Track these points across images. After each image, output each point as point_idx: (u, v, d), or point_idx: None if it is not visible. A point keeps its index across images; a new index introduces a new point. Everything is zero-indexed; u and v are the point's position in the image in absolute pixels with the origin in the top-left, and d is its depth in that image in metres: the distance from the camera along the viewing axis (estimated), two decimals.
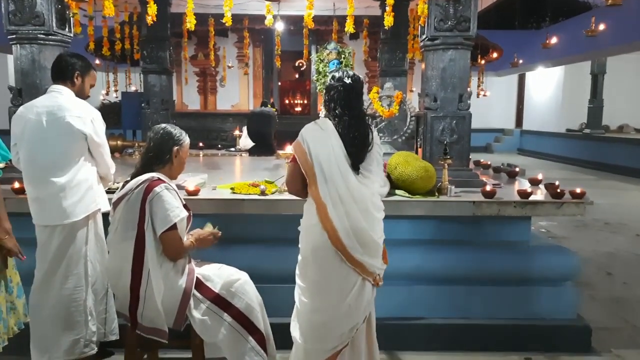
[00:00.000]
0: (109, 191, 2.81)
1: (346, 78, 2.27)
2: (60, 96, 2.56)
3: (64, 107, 2.51)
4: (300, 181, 2.24)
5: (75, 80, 2.64)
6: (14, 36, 3.27)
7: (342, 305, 2.15)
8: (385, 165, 3.18)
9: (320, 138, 2.20)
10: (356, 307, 2.17)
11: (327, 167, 2.14)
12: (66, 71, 2.62)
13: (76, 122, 2.49)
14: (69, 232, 2.53)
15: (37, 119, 2.50)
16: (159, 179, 2.28)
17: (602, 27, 9.19)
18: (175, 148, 2.35)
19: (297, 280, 2.30)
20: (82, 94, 2.68)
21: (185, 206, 2.38)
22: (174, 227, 2.22)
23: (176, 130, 2.39)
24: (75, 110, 2.52)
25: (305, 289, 2.25)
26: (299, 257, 2.29)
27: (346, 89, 2.26)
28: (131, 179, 2.32)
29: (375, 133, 2.30)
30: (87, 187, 2.58)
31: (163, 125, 2.42)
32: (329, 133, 2.20)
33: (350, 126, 2.21)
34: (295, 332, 2.28)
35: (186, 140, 2.41)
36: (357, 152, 2.19)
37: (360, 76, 2.32)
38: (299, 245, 2.28)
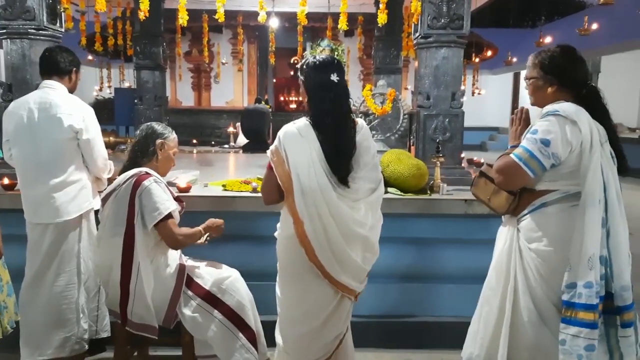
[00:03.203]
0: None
1: (333, 74, 1.95)
2: (52, 92, 2.52)
3: (57, 103, 2.47)
4: (277, 191, 2.01)
5: (73, 76, 2.61)
6: (4, 31, 3.24)
7: (321, 317, 2.03)
8: None
9: (300, 146, 1.94)
10: (338, 317, 2.06)
11: (306, 180, 1.91)
12: (63, 67, 2.58)
13: (67, 119, 2.45)
14: (62, 231, 2.51)
15: (29, 115, 2.46)
16: (147, 173, 2.28)
17: (595, 26, 9.25)
18: (159, 141, 2.36)
19: (277, 290, 2.16)
20: (74, 89, 2.65)
21: (178, 199, 2.41)
22: (167, 217, 2.21)
23: (160, 126, 2.41)
24: (68, 107, 2.48)
25: (282, 301, 2.13)
26: (278, 267, 2.15)
27: (335, 89, 1.97)
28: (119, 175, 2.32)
29: (363, 130, 2.04)
30: (81, 186, 2.56)
31: (149, 123, 2.44)
32: (310, 142, 1.94)
33: (335, 136, 1.95)
34: (278, 339, 2.19)
35: (171, 135, 2.43)
36: (341, 166, 1.95)
37: (341, 59, 2.08)
38: (277, 255, 2.13)
